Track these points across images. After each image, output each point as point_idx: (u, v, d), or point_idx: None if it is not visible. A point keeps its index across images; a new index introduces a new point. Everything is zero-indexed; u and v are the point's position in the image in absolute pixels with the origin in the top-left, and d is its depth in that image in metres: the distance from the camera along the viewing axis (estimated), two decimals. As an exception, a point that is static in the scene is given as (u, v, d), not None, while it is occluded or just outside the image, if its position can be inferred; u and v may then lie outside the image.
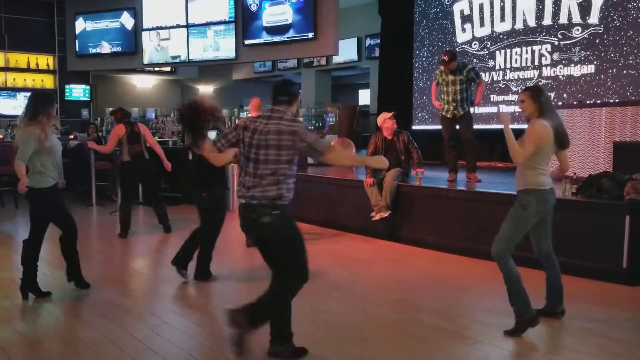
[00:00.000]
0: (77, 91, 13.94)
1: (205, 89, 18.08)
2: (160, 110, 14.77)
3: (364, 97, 18.65)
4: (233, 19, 11.83)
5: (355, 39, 14.37)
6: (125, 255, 6.47)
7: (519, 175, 3.86)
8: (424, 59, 10.84)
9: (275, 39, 11.26)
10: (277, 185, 3.15)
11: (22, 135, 4.40)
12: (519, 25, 9.30)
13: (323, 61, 15.38)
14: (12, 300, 4.70)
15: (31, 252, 4.65)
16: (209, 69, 15.95)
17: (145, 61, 13.06)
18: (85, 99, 14.01)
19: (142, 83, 16.69)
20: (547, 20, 8.94)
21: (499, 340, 3.75)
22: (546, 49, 8.95)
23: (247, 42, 11.67)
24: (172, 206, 9.34)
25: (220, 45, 12.12)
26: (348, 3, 12.52)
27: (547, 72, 8.97)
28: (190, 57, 12.54)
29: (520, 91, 3.87)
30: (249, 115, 6.31)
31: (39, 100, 4.48)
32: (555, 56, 8.85)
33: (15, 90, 13.43)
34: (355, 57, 14.56)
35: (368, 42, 14.15)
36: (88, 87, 14.12)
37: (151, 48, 12.92)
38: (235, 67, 17.59)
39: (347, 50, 14.45)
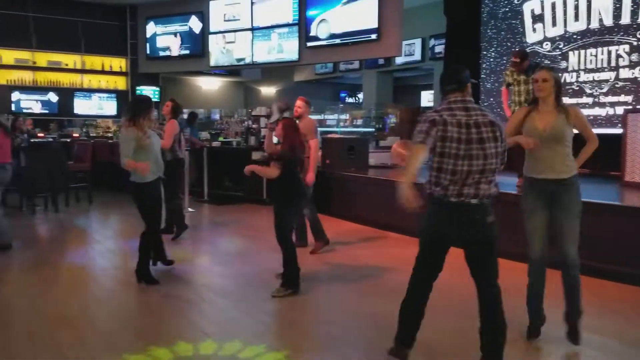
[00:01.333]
0: (147, 92, 14.45)
1: (268, 91, 18.35)
2: (225, 111, 15.10)
3: (427, 98, 18.38)
4: (297, 21, 11.94)
5: (420, 39, 14.19)
6: (192, 251, 6.63)
7: (560, 159, 3.60)
8: (491, 59, 10.56)
9: (338, 40, 11.28)
10: (493, 181, 3.03)
11: (122, 136, 4.90)
12: (594, 24, 8.90)
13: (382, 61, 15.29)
14: (87, 292, 4.92)
15: (147, 243, 5.04)
16: (271, 70, 16.18)
17: (212, 63, 13.40)
18: (155, 100, 14.50)
19: (208, 85, 17.12)
20: (625, 19, 8.51)
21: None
22: (624, 49, 8.52)
23: (309, 44, 11.74)
24: (235, 205, 9.56)
25: (284, 48, 12.26)
26: (412, 3, 12.38)
27: (624, 73, 8.53)
28: (254, 60, 12.76)
29: (544, 70, 3.63)
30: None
31: (139, 105, 4.96)
32: (634, 57, 8.41)
33: (91, 91, 14.08)
34: (418, 58, 14.38)
35: (432, 42, 13.95)
36: (157, 89, 14.61)
37: (217, 51, 13.24)
38: (297, 69, 17.75)
39: (410, 51, 14.32)
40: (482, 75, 10.61)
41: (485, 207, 3.01)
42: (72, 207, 9.14)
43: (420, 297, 3.17)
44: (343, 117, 15.18)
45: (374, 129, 13.95)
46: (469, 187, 2.97)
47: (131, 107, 5.00)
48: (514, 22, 10.18)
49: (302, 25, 11.83)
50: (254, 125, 10.47)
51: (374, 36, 10.67)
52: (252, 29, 12.62)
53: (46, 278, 5.28)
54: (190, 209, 8.78)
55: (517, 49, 8.91)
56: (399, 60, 14.36)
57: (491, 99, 10.47)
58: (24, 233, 7.28)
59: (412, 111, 13.86)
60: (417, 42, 14.28)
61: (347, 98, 21.30)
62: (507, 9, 10.29)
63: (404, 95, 18.52)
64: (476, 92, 10.37)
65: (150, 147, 4.92)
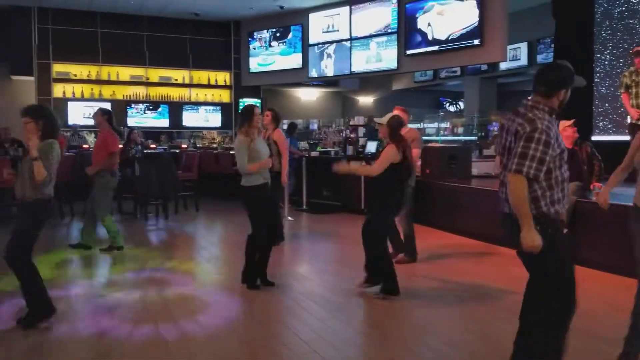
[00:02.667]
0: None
1: (365, 100, 18.35)
2: (323, 121, 15.28)
3: (533, 105, 17.49)
4: (396, 30, 11.86)
5: (526, 43, 13.58)
6: (291, 259, 6.72)
7: None
8: (606, 62, 9.86)
9: (439, 47, 11.05)
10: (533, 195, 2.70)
11: (235, 145, 5.19)
12: None
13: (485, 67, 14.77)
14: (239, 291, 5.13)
15: (253, 246, 5.23)
16: (369, 80, 16.18)
17: (311, 75, 13.62)
18: (256, 111, 14.97)
19: (307, 96, 17.43)
20: None
21: None
22: None
23: (409, 52, 11.60)
24: (333, 214, 9.60)
25: (382, 57, 12.21)
26: (517, 7, 11.88)
27: None
28: (352, 70, 12.81)
29: None
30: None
31: (243, 114, 5.24)
32: None
33: (198, 104, 14.82)
34: (525, 63, 13.75)
35: (539, 46, 13.30)
36: (259, 101, 15.09)
37: (316, 62, 13.44)
38: (395, 77, 17.62)
39: (515, 56, 13.73)
40: (595, 80, 9.93)
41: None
42: (180, 214, 9.61)
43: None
44: (443, 125, 14.83)
45: (476, 138, 13.49)
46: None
47: (240, 117, 5.32)
48: (631, 21, 9.45)
49: (402, 33, 11.72)
50: (352, 135, 10.50)
51: (476, 41, 10.34)
52: (351, 39, 12.69)
53: (154, 280, 5.56)
54: (289, 218, 8.93)
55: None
56: (504, 65, 13.82)
57: (606, 105, 9.77)
58: (138, 238, 7.74)
59: (517, 119, 13.22)
60: (523, 46, 13.67)
61: (447, 106, 20.82)
62: (624, 8, 9.58)
63: (509, 101, 17.76)
64: (589, 97, 9.72)
65: (258, 153, 5.13)
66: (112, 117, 6.92)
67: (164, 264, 6.24)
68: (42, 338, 4.02)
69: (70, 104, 13.37)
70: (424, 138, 13.06)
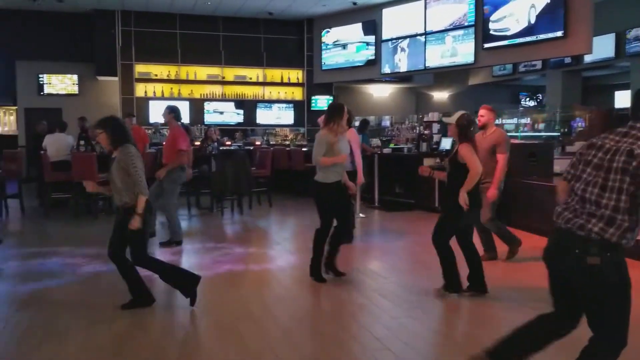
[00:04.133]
0: (322, 101, 15.02)
1: (440, 96, 17.97)
2: (395, 118, 15.09)
3: (622, 99, 16.49)
4: (473, 23, 11.50)
5: (613, 34, 12.80)
6: (363, 256, 6.66)
7: None
8: None
9: (519, 40, 10.61)
10: (614, 220, 2.46)
11: (316, 139, 5.27)
12: None
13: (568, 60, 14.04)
14: (269, 288, 5.18)
15: (322, 241, 5.29)
16: (444, 75, 15.81)
17: (383, 71, 13.48)
18: (328, 108, 14.99)
19: (379, 92, 17.28)
20: None
21: None
22: None
23: (487, 45, 11.22)
24: (405, 212, 9.44)
25: (458, 51, 11.89)
26: (604, -5, 11.24)
27: None
28: (426, 65, 12.56)
29: None
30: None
31: (331, 111, 5.31)
32: None
33: (271, 102, 15.05)
34: (611, 55, 12.96)
35: (629, 37, 12.49)
36: (331, 98, 15.11)
37: (389, 58, 13.28)
38: (471, 72, 17.13)
39: (602, 48, 12.97)
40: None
41: (593, 244, 2.52)
42: (254, 209, 9.77)
43: None
44: (523, 121, 14.24)
45: (558, 134, 12.86)
46: (582, 217, 2.56)
47: (326, 113, 5.35)
48: None
49: (479, 26, 11.36)
50: (425, 132, 10.28)
51: (559, 33, 9.85)
52: (425, 34, 12.45)
53: (232, 275, 5.66)
54: (361, 215, 8.86)
55: None
56: (589, 58, 13.09)
57: None
58: (213, 232, 7.93)
59: (604, 114, 12.51)
60: (610, 38, 12.89)
61: (527, 100, 20.00)
62: None
63: (595, 96, 16.85)
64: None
65: (339, 151, 5.21)
66: (179, 114, 6.98)
67: (238, 258, 6.35)
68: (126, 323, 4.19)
69: (151, 102, 13.94)
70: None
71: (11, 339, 3.87)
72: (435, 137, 10.08)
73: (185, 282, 4.52)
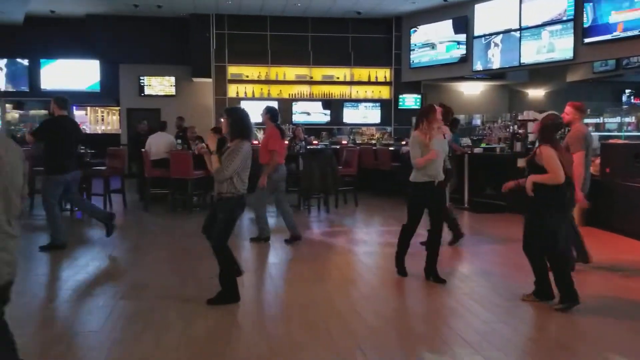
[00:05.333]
0: (409, 100, 14.83)
1: (535, 93, 17.17)
2: (487, 117, 14.59)
3: None
4: (572, 17, 10.91)
5: None
6: (453, 258, 6.50)
7: None
8: None
9: (626, 34, 9.91)
10: None
11: (410, 141, 5.34)
12: None
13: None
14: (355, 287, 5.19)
15: (406, 236, 5.38)
16: (540, 72, 15.08)
17: (475, 68, 13.09)
18: (416, 107, 14.76)
19: (470, 90, 16.79)
20: None
21: None
22: None
23: (587, 40, 10.59)
24: (496, 214, 9.10)
25: (555, 46, 11.32)
26: None
27: None
28: (521, 61, 12.06)
29: None
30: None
31: (422, 112, 5.38)
32: None
33: (358, 101, 15.06)
34: None
35: None
36: (419, 96, 14.88)
37: (481, 54, 12.89)
38: (570, 68, 16.21)
39: None
40: None
41: None
42: (340, 208, 9.82)
43: None
44: (627, 119, 13.29)
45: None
46: None
47: (418, 115, 5.41)
48: None
49: (579, 20, 10.75)
50: (520, 131, 9.85)
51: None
52: (520, 29, 11.96)
53: (318, 272, 5.72)
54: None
55: None
56: None
57: None
58: (301, 230, 8.02)
59: None
60: None
61: (631, 98, 18.64)
62: None
63: None
64: None
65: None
66: (275, 115, 7.13)
67: (325, 256, 6.41)
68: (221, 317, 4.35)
69: (242, 102, 14.36)
70: (604, 134, 11.89)
71: (114, 327, 4.13)
72: (531, 137, 9.62)
73: (226, 293, 4.52)
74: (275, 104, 14.19)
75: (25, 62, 15.31)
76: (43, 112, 17.16)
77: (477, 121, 14.60)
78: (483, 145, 10.96)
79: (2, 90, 15.33)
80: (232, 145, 4.50)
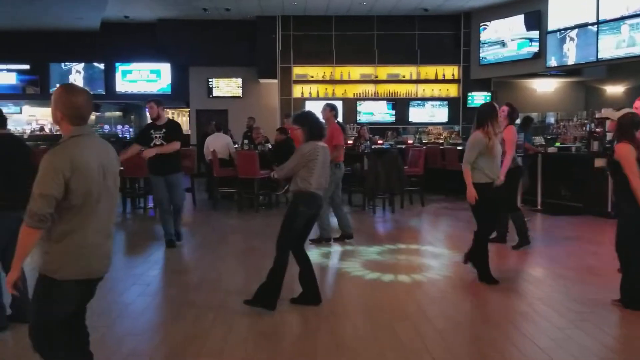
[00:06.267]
0: (479, 98, 14.42)
1: (614, 90, 16.26)
2: (561, 114, 13.97)
3: None
4: (656, 8, 10.25)
5: None
6: (525, 261, 6.24)
7: None
8: None
9: None
10: None
11: (469, 141, 5.11)
12: None
13: None
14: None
15: (481, 242, 5.14)
16: (619, 67, 14.26)
17: (549, 64, 12.57)
18: (486, 106, 14.32)
19: (543, 87, 16.12)
20: None
21: None
22: None
23: (673, 31, 9.92)
24: (572, 216, 8.68)
25: (636, 40, 10.69)
26: None
27: None
28: (599, 57, 11.46)
29: None
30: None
31: (485, 111, 5.12)
32: None
33: (424, 99, 14.80)
34: None
35: None
36: (489, 94, 14.45)
37: (555, 50, 12.35)
38: (653, 64, 15.26)
39: None
40: None
41: None
42: (406, 208, 9.66)
43: None
44: None
45: None
46: None
47: (478, 114, 5.16)
48: None
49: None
50: (597, 129, 9.35)
51: None
52: (598, 23, 11.36)
53: (385, 274, 5.63)
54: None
55: None
56: None
57: None
58: (366, 230, 7.98)
59: None
60: None
61: None
62: None
63: None
64: None
65: (494, 152, 5.04)
66: (337, 113, 7.25)
67: (390, 257, 6.31)
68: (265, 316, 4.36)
69: (307, 103, 14.45)
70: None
71: (185, 321, 4.22)
72: (609, 135, 9.11)
73: (267, 295, 4.36)
74: (340, 104, 14.28)
75: (102, 66, 16.05)
76: (118, 114, 18.00)
77: (551, 119, 14.03)
78: (557, 144, 10.50)
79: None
80: (302, 146, 4.51)
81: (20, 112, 16.99)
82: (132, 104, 17.68)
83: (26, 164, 4.01)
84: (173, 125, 6.77)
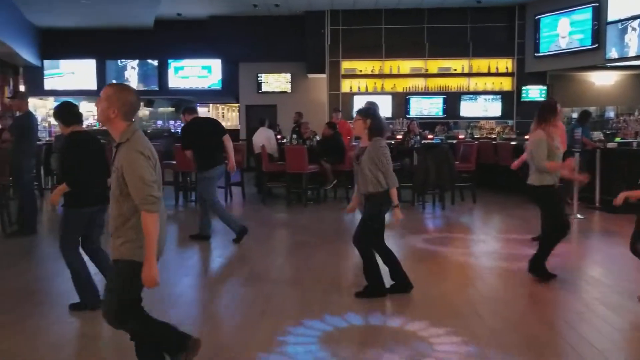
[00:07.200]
0: (534, 92, 13.99)
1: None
2: (621, 109, 13.39)
3: None
4: None
5: None
6: (582, 260, 6.02)
7: None
8: None
9: None
10: None
11: (533, 141, 4.93)
12: None
13: None
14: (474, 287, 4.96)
15: (553, 239, 4.94)
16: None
17: (609, 56, 12.06)
18: (541, 99, 13.88)
19: (602, 80, 15.48)
20: None
21: None
22: None
23: None
24: (632, 215, 8.27)
25: None
26: None
27: None
28: (664, 46, 10.91)
29: None
30: None
31: (545, 110, 4.94)
32: None
33: (476, 93, 14.47)
34: None
35: None
36: (544, 87, 13.99)
37: (616, 41, 11.83)
38: None
39: None
40: None
41: None
42: (457, 204, 9.47)
43: None
44: None
45: None
46: None
47: (539, 111, 5.01)
48: None
49: None
50: (661, 123, 8.91)
51: None
52: (663, 11, 10.80)
53: (434, 270, 5.54)
54: (579, 216, 8.01)
55: None
56: None
57: None
58: (415, 226, 7.87)
59: None
60: None
61: None
62: None
63: None
64: None
65: (557, 151, 4.87)
66: (377, 108, 7.12)
67: (441, 254, 6.20)
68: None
69: (355, 97, 14.39)
70: None
71: (236, 311, 4.29)
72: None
73: (373, 288, 4.53)
74: (389, 98, 14.18)
75: (155, 62, 16.44)
76: (170, 109, 18.42)
77: (611, 113, 13.48)
78: (617, 139, 10.09)
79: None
80: (371, 145, 4.48)
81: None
82: (184, 100, 18.07)
83: (101, 160, 4.23)
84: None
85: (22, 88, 15.24)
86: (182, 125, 6.96)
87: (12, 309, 4.27)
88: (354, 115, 4.94)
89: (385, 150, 4.46)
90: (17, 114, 7.63)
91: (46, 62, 16.10)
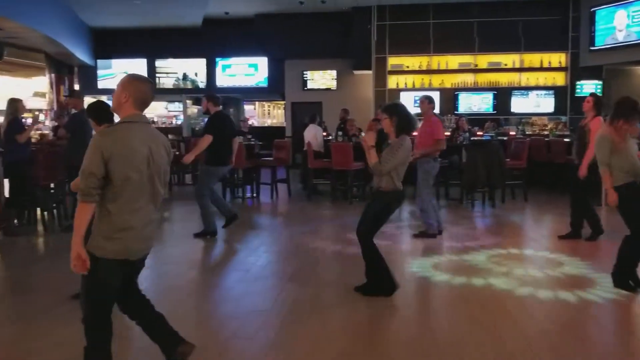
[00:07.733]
0: (588, 87, 13.46)
1: None
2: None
3: None
4: None
5: None
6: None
7: None
8: None
9: None
10: None
11: (597, 139, 4.69)
12: None
13: None
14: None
15: (628, 248, 4.60)
16: None
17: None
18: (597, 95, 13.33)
19: (661, 74, 14.78)
20: None
21: None
22: None
23: None
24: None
25: None
26: None
27: None
28: None
29: None
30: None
31: (620, 108, 4.59)
32: None
33: (528, 89, 14.05)
34: None
35: None
36: (600, 82, 13.45)
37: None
38: None
39: None
40: None
41: None
42: (507, 203, 9.21)
43: None
44: None
45: None
46: None
47: (615, 108, 4.66)
48: None
49: None
50: None
51: None
52: None
53: (482, 269, 5.39)
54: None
55: None
56: None
57: None
58: (464, 225, 7.69)
59: None
60: None
61: None
62: None
63: None
64: None
65: (626, 152, 4.54)
66: (434, 105, 7.04)
67: (489, 252, 6.02)
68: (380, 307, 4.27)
69: (402, 94, 14.20)
70: None
71: (281, 310, 4.27)
72: None
73: (378, 283, 4.45)
74: (437, 94, 13.91)
75: (203, 60, 16.68)
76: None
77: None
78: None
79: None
80: (394, 141, 4.43)
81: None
82: (232, 98, 18.27)
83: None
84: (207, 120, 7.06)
85: (76, 87, 15.76)
86: (212, 113, 6.96)
87: (69, 301, 4.38)
88: (378, 112, 4.84)
89: (403, 149, 4.37)
90: (73, 111, 7.86)
91: (99, 62, 16.59)
